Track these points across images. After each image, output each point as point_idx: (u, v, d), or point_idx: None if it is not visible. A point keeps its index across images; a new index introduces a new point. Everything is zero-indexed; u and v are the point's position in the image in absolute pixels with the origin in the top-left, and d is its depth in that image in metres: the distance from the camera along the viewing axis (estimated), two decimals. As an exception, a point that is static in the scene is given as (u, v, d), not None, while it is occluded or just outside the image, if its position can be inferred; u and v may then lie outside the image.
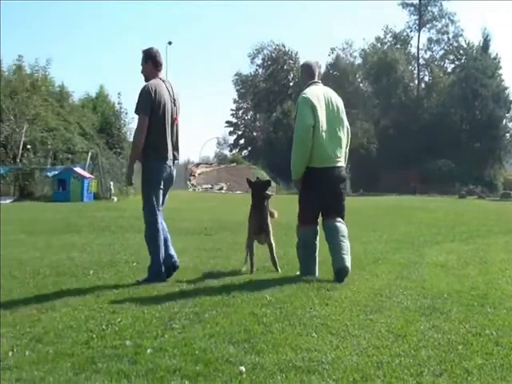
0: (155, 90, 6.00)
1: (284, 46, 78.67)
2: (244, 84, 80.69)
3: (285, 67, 78.72)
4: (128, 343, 4.00)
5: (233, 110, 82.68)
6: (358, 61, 70.27)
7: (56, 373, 3.48)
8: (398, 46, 68.01)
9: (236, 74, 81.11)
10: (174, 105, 6.23)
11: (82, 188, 25.00)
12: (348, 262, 6.10)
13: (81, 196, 24.74)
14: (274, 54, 78.71)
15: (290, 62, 79.17)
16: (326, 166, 6.10)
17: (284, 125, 63.10)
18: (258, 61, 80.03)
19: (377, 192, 46.19)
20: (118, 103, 36.91)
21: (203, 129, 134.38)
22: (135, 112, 6.07)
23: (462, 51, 66.73)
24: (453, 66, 69.18)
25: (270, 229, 6.86)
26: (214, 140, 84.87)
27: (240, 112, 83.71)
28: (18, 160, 27.87)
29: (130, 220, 13.87)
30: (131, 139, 37.30)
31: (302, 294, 5.50)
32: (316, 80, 6.40)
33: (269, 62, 78.65)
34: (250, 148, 79.80)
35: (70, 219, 14.52)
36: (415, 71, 68.26)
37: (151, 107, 5.96)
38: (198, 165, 61.13)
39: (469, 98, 58.32)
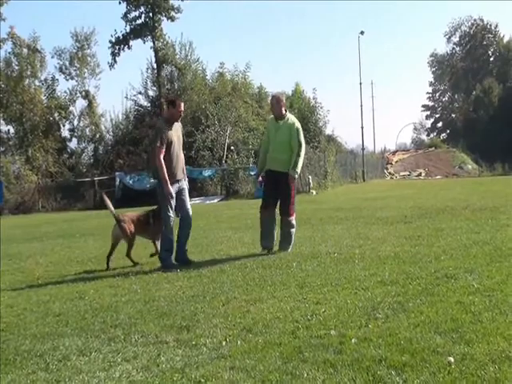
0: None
1: (482, 21, 74.30)
2: (440, 65, 77.68)
3: (484, 43, 74.20)
4: (333, 333, 4.07)
5: (429, 93, 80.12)
6: None
7: (266, 361, 3.66)
8: None
9: (431, 55, 78.47)
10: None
11: (282, 184, 25.73)
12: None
13: (281, 191, 25.48)
14: (471, 30, 74.59)
15: (489, 36, 74.47)
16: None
17: (485, 103, 59.55)
18: (455, 39, 76.54)
19: None
20: (313, 98, 37.39)
21: (399, 115, 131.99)
22: (153, 143, 7.80)
23: None
24: None
25: None
26: (411, 126, 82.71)
27: (437, 94, 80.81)
28: (224, 161, 29.66)
29: (328, 212, 14.04)
30: (327, 132, 37.71)
31: (514, 281, 5.17)
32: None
33: (466, 39, 74.72)
34: (448, 131, 76.62)
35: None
36: None
37: (162, 139, 7.56)
38: (394, 152, 60.05)
39: None
